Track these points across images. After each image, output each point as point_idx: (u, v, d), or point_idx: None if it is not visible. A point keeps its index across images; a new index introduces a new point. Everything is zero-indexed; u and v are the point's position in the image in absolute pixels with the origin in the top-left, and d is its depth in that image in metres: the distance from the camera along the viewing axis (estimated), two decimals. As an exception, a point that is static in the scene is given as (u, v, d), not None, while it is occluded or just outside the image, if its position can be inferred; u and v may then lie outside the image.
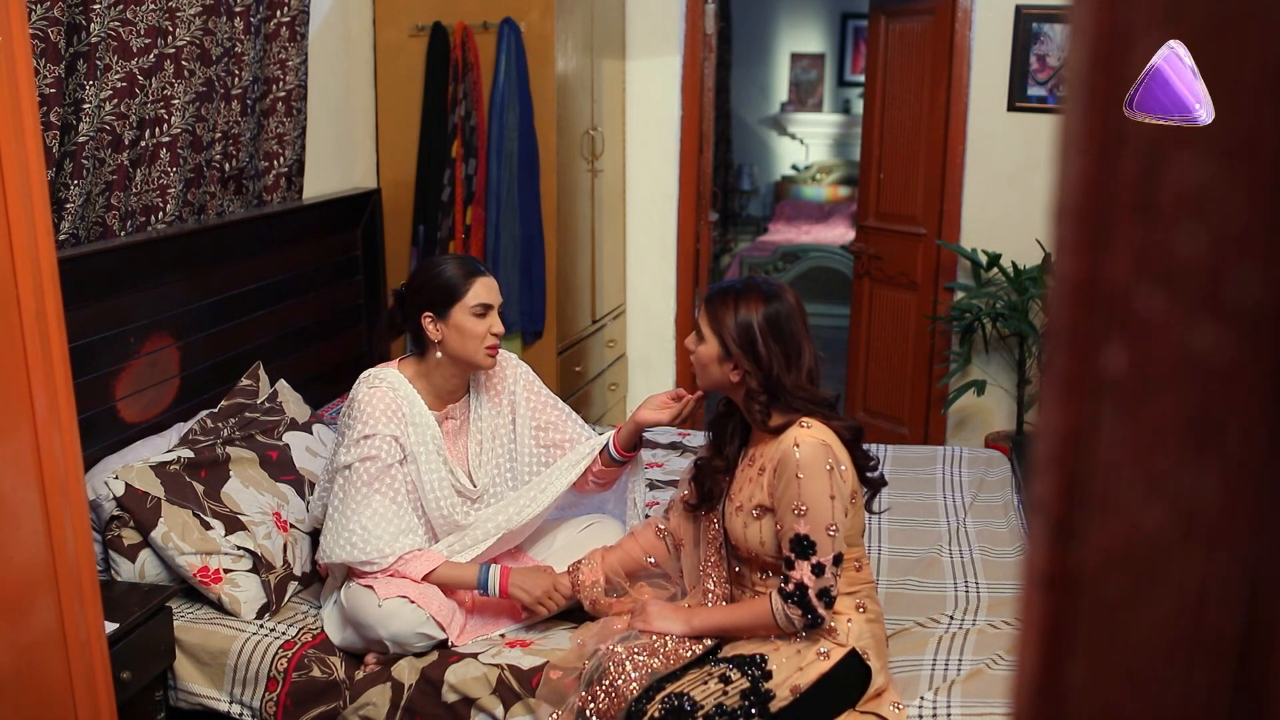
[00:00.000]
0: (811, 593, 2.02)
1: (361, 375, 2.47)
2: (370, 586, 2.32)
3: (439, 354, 2.43)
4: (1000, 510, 3.08)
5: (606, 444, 2.55)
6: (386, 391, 2.40)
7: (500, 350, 2.62)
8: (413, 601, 2.30)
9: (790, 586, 2.03)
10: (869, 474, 2.14)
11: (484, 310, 2.40)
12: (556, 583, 2.38)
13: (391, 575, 2.34)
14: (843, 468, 2.05)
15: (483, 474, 2.53)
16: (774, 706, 2.02)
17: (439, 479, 2.44)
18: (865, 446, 2.16)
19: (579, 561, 2.41)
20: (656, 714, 1.99)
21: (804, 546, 2.02)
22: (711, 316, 2.11)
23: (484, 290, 2.41)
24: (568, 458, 2.57)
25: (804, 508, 2.00)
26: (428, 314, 2.40)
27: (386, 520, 2.35)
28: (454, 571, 2.39)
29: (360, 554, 2.32)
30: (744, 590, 2.21)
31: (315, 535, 2.70)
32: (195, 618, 2.46)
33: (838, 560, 2.04)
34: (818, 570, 2.02)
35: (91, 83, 2.59)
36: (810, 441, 2.02)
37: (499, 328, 2.42)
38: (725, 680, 2.03)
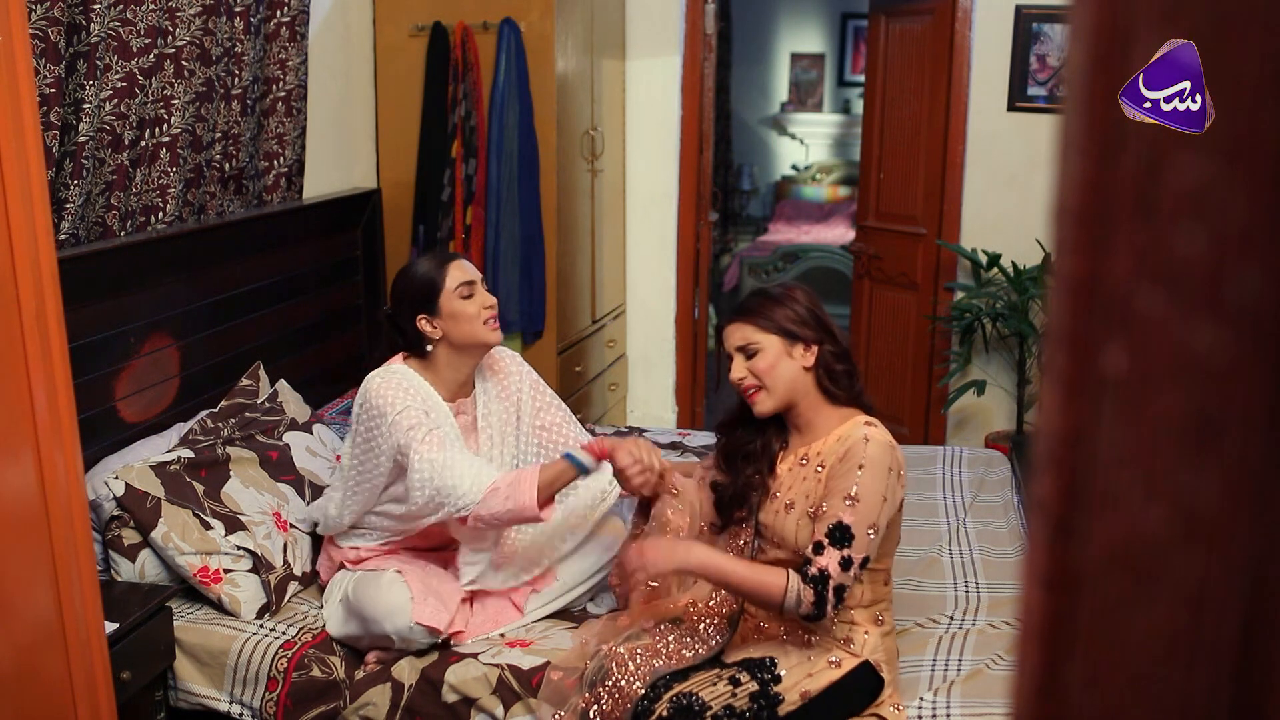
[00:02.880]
0: (831, 583, 1.95)
1: (369, 375, 2.45)
2: (375, 575, 2.32)
3: (446, 348, 2.43)
4: (1000, 510, 3.08)
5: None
6: (400, 380, 2.40)
7: (505, 351, 2.63)
8: (413, 601, 2.31)
9: (814, 570, 1.95)
10: None
11: (468, 289, 2.40)
12: (655, 450, 2.26)
13: (504, 514, 2.24)
14: (902, 473, 2.04)
15: (493, 467, 2.53)
16: (782, 710, 2.01)
17: None
18: None
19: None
20: (664, 713, 1.98)
21: (841, 536, 1.96)
22: (760, 323, 2.07)
23: (459, 271, 2.42)
24: (593, 493, 2.58)
25: (856, 499, 1.97)
26: (421, 316, 2.41)
27: (458, 467, 2.27)
28: (550, 475, 2.25)
29: (454, 506, 2.26)
30: None
31: (315, 535, 2.70)
32: (195, 618, 2.46)
33: (864, 563, 1.99)
34: (845, 564, 1.95)
35: (91, 83, 2.59)
36: (881, 440, 2.01)
37: (489, 300, 2.43)
38: (734, 683, 2.03)
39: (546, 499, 2.24)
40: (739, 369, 2.08)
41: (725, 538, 2.23)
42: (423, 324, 2.41)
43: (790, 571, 1.99)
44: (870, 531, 1.97)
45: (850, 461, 1.99)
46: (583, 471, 2.26)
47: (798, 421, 2.13)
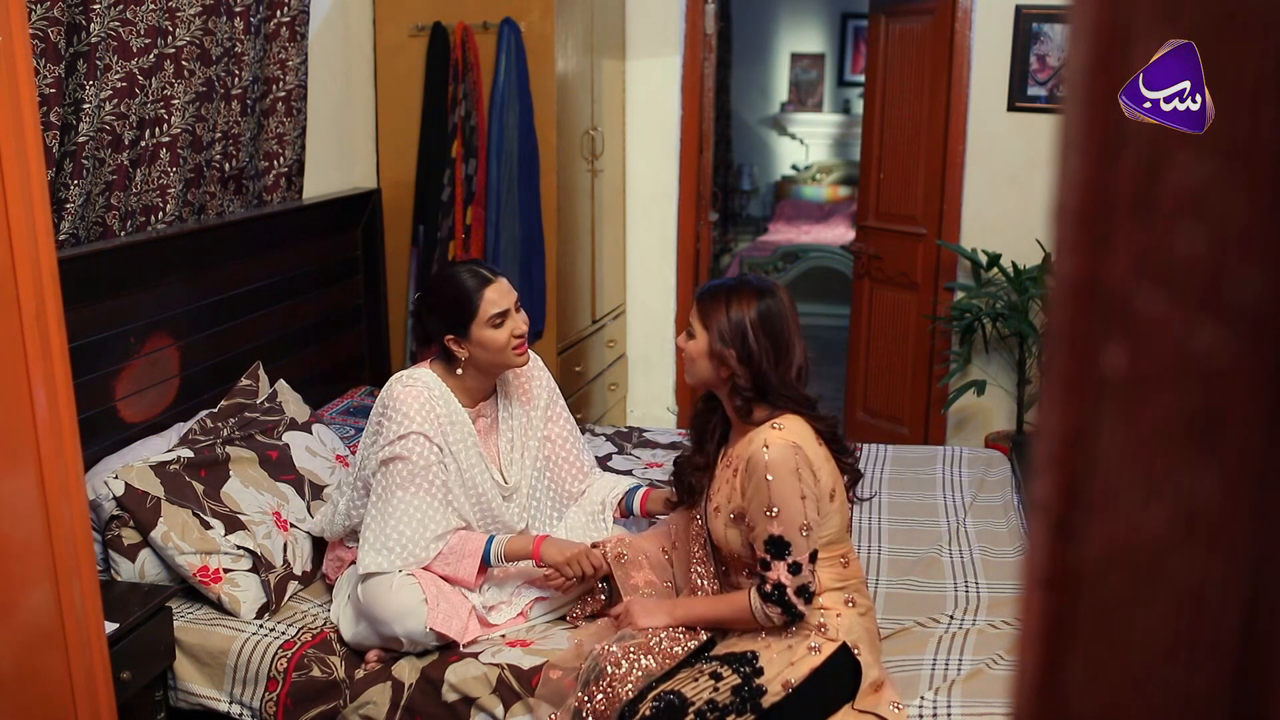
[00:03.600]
0: (790, 591, 2.04)
1: (394, 376, 2.46)
2: (387, 582, 2.33)
3: (471, 366, 2.43)
4: (1000, 510, 3.08)
5: (630, 501, 2.61)
6: (422, 390, 2.40)
7: (533, 354, 2.62)
8: (427, 602, 2.30)
9: (768, 587, 2.06)
10: (846, 462, 2.17)
11: (500, 319, 2.39)
12: (587, 551, 2.39)
13: (441, 572, 2.38)
14: (814, 467, 2.06)
15: (514, 471, 2.54)
16: (766, 702, 2.03)
17: (479, 473, 2.45)
18: (850, 446, 2.20)
19: (600, 541, 2.43)
20: (648, 713, 1.99)
21: (779, 547, 2.04)
22: (703, 312, 2.13)
23: (496, 297, 2.39)
24: (586, 510, 2.63)
25: (775, 510, 2.02)
26: (449, 336, 2.40)
27: (421, 524, 2.35)
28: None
29: (400, 562, 2.33)
30: (732, 588, 2.21)
31: (315, 536, 2.70)
32: (195, 618, 2.46)
33: (813, 557, 2.06)
34: (794, 569, 2.04)
35: (91, 83, 2.59)
36: (779, 443, 2.04)
37: (520, 327, 2.41)
38: (716, 677, 2.05)
39: (483, 567, 2.43)
40: (681, 340, 2.20)
41: (687, 537, 2.29)
42: (450, 344, 2.41)
43: (750, 592, 2.09)
44: (803, 532, 2.04)
45: (757, 475, 2.04)
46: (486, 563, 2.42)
47: (730, 416, 2.20)
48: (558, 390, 2.68)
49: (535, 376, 2.61)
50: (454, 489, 2.41)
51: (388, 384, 2.44)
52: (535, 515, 2.59)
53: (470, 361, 2.41)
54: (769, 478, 2.02)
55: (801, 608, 2.06)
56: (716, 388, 2.17)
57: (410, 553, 2.33)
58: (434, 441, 2.37)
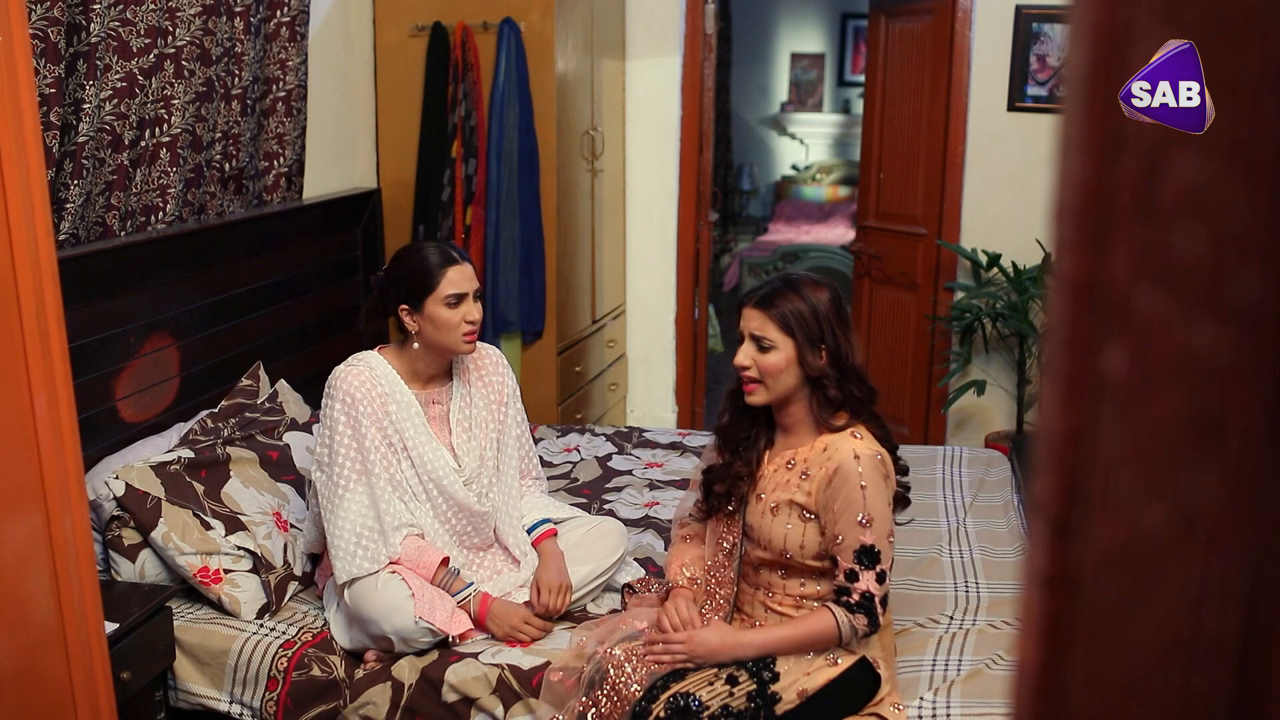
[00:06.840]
0: (877, 599, 2.02)
1: (334, 370, 2.49)
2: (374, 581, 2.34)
3: (420, 342, 2.45)
4: (1000, 510, 3.08)
5: (532, 529, 2.62)
6: (363, 370, 2.43)
7: (493, 349, 2.64)
8: (414, 598, 2.31)
9: (856, 597, 2.02)
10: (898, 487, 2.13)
11: (456, 300, 2.41)
12: (526, 617, 2.40)
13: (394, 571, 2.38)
14: (891, 473, 2.06)
15: (471, 458, 2.53)
16: (780, 709, 2.01)
17: (429, 453, 2.46)
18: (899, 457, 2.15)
19: (671, 595, 2.26)
20: (661, 714, 1.98)
21: (871, 556, 2.01)
22: (781, 320, 2.03)
23: (456, 280, 2.41)
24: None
25: (870, 518, 2.00)
26: (403, 306, 2.43)
27: (376, 516, 2.38)
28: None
29: (370, 558, 2.35)
30: (755, 589, 2.18)
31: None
32: (195, 618, 2.46)
33: (890, 564, 2.06)
34: (880, 577, 2.02)
35: (91, 83, 2.59)
36: (868, 453, 2.02)
37: (474, 315, 2.43)
38: (732, 682, 2.03)
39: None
40: (746, 357, 2.07)
41: (712, 539, 2.23)
42: (403, 315, 2.44)
43: (830, 607, 2.04)
44: (890, 539, 2.04)
45: (849, 483, 2.00)
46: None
47: (785, 421, 2.14)
48: (518, 390, 2.69)
49: (498, 371, 2.63)
50: (403, 467, 2.44)
51: (330, 377, 2.46)
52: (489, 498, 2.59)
53: (420, 336, 2.44)
54: (863, 485, 1.99)
55: (881, 617, 2.04)
56: (793, 395, 2.08)
57: (376, 548, 2.35)
58: (364, 426, 2.38)
